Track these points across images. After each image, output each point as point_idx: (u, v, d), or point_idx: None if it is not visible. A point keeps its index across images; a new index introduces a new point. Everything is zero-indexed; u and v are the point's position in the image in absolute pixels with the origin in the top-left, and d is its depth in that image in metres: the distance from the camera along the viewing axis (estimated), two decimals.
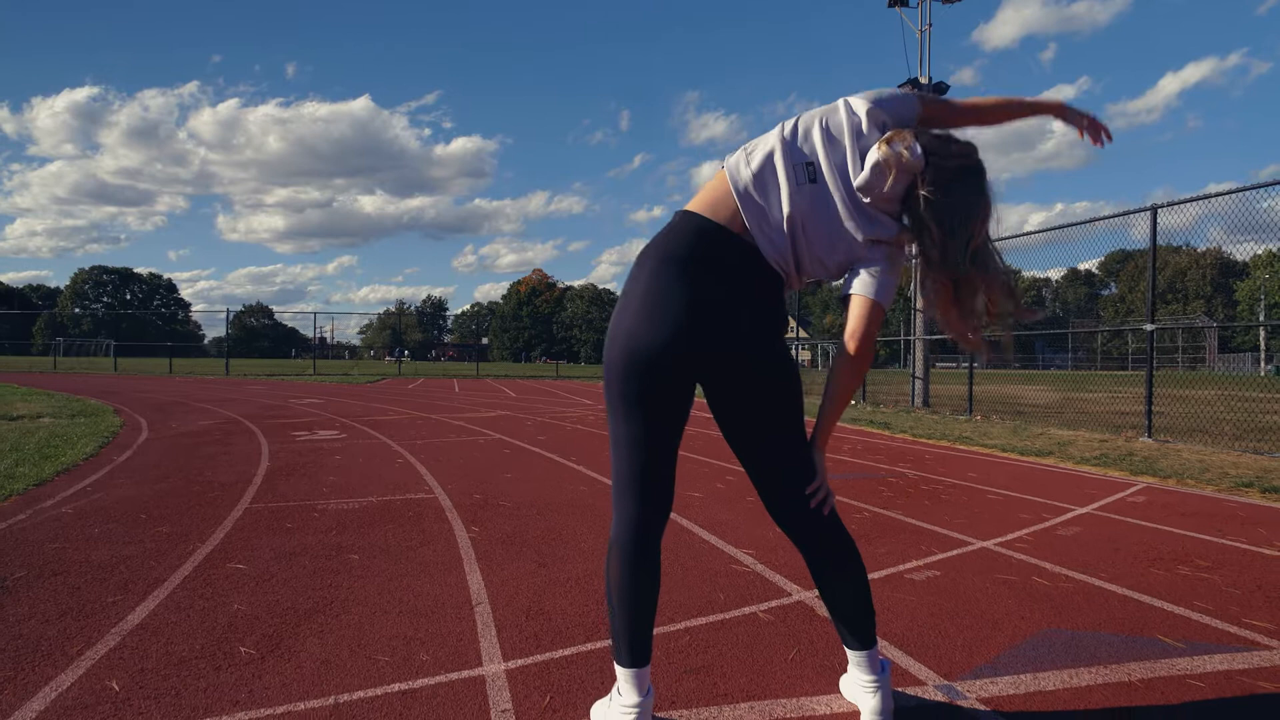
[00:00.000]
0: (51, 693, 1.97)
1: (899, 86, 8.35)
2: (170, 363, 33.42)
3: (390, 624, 2.48)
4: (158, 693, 1.98)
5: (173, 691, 1.99)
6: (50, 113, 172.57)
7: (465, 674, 2.12)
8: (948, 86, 13.43)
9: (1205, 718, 1.90)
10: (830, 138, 1.73)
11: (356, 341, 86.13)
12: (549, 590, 2.86)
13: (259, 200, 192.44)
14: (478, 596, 2.78)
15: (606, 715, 1.78)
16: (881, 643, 2.36)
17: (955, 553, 3.43)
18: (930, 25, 13.44)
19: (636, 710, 1.70)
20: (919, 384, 13.11)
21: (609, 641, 2.34)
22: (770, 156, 1.72)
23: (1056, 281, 73.56)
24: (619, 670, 1.73)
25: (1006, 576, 3.07)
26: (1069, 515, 4.24)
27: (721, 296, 1.66)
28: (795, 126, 1.76)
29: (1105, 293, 69.49)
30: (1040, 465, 6.23)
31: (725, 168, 1.76)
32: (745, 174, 1.72)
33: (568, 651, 2.28)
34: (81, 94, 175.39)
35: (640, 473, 1.72)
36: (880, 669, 1.84)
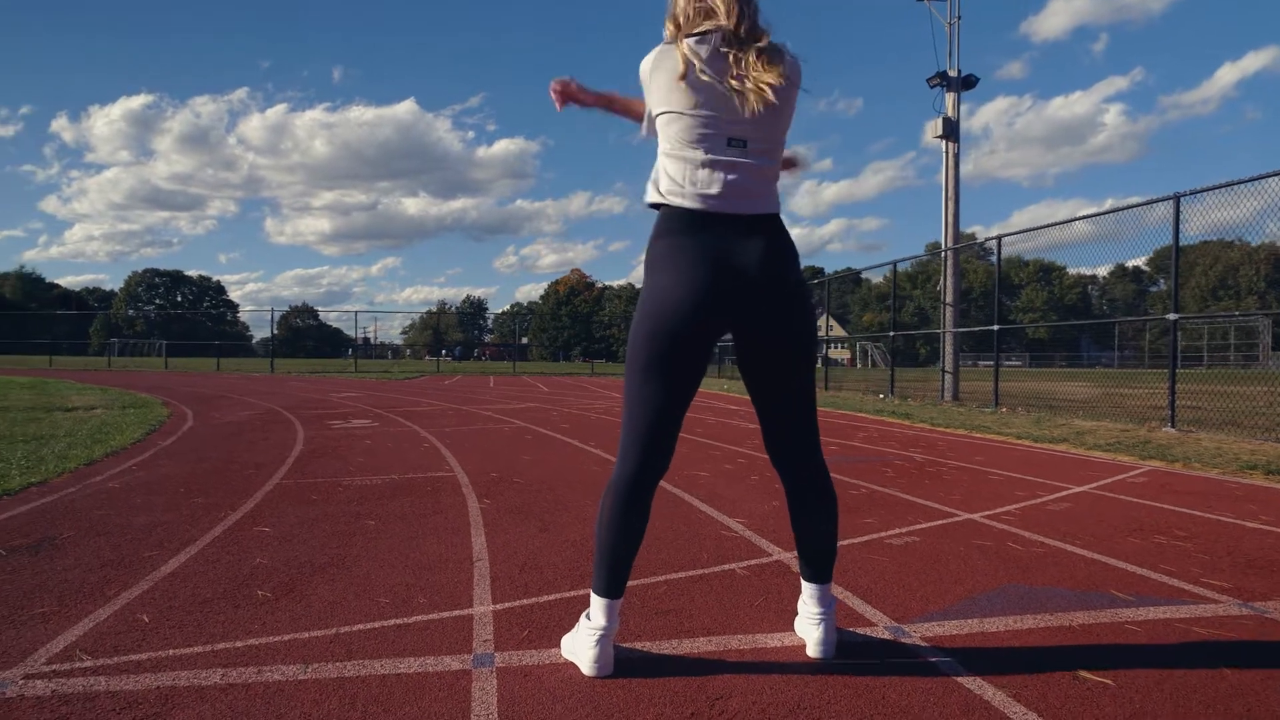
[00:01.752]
0: (90, 623, 2.22)
1: (928, 80, 8.52)
2: (218, 361, 34.38)
3: (395, 575, 2.71)
4: (182, 624, 2.22)
5: (195, 623, 2.23)
6: (107, 120, 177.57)
7: (456, 613, 2.33)
8: (977, 80, 13.41)
9: (1135, 656, 2.05)
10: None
11: (399, 341, 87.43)
12: (545, 550, 3.07)
13: (306, 203, 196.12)
14: (479, 554, 2.99)
15: (574, 638, 1.99)
16: (843, 591, 2.53)
17: (939, 523, 3.57)
18: (960, 18, 13.42)
19: (601, 632, 1.90)
20: (949, 378, 13.11)
21: (589, 589, 2.55)
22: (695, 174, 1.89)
23: (1104, 278, 72.15)
24: (594, 598, 1.93)
25: (983, 542, 3.21)
26: (1064, 493, 4.35)
27: (733, 259, 1.84)
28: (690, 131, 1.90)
29: (1155, 289, 67.95)
30: (1051, 451, 6.30)
31: (668, 202, 1.91)
32: (690, 196, 1.88)
33: (552, 597, 2.49)
34: (136, 102, 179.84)
35: (647, 431, 1.90)
36: (828, 604, 2.02)
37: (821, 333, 25.21)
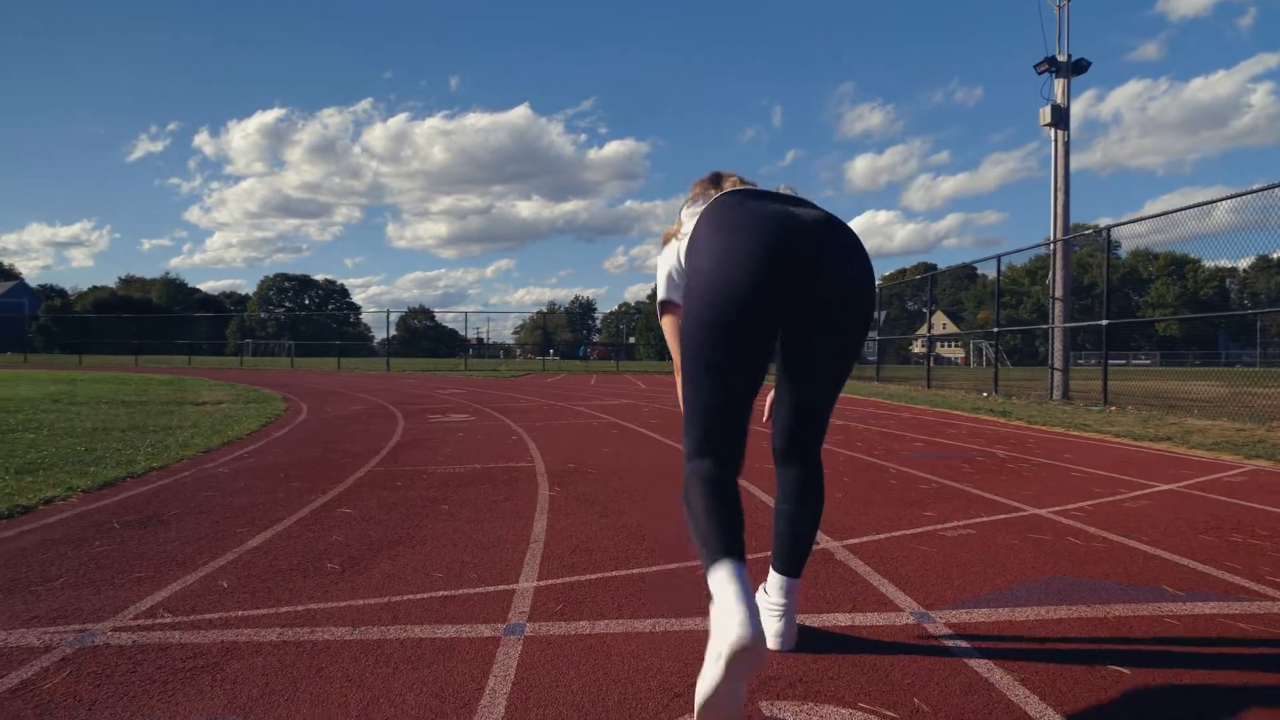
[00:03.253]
0: (177, 586, 2.48)
1: (1035, 67, 8.24)
2: (338, 360, 36.16)
3: (454, 553, 2.89)
4: (254, 590, 2.45)
5: (265, 589, 2.45)
6: (243, 134, 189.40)
7: (500, 587, 2.48)
8: (1089, 64, 12.82)
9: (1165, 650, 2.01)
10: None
11: (511, 341, 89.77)
12: (601, 534, 3.19)
13: (425, 209, 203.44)
14: (536, 537, 3.15)
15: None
16: (879, 579, 2.56)
17: (1001, 517, 3.52)
18: (1069, 0, 12.87)
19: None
20: (1058, 376, 12.60)
21: (635, 569, 2.66)
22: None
23: (1244, 271, 67.28)
24: (712, 575, 1.56)
25: (1040, 537, 3.15)
26: (1147, 491, 4.18)
27: (795, 223, 1.69)
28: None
29: None
30: (1149, 450, 6.02)
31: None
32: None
33: (594, 576, 2.61)
34: (270, 116, 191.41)
35: (714, 431, 1.74)
36: (792, 598, 2.00)
37: (925, 330, 24.56)
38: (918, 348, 32.35)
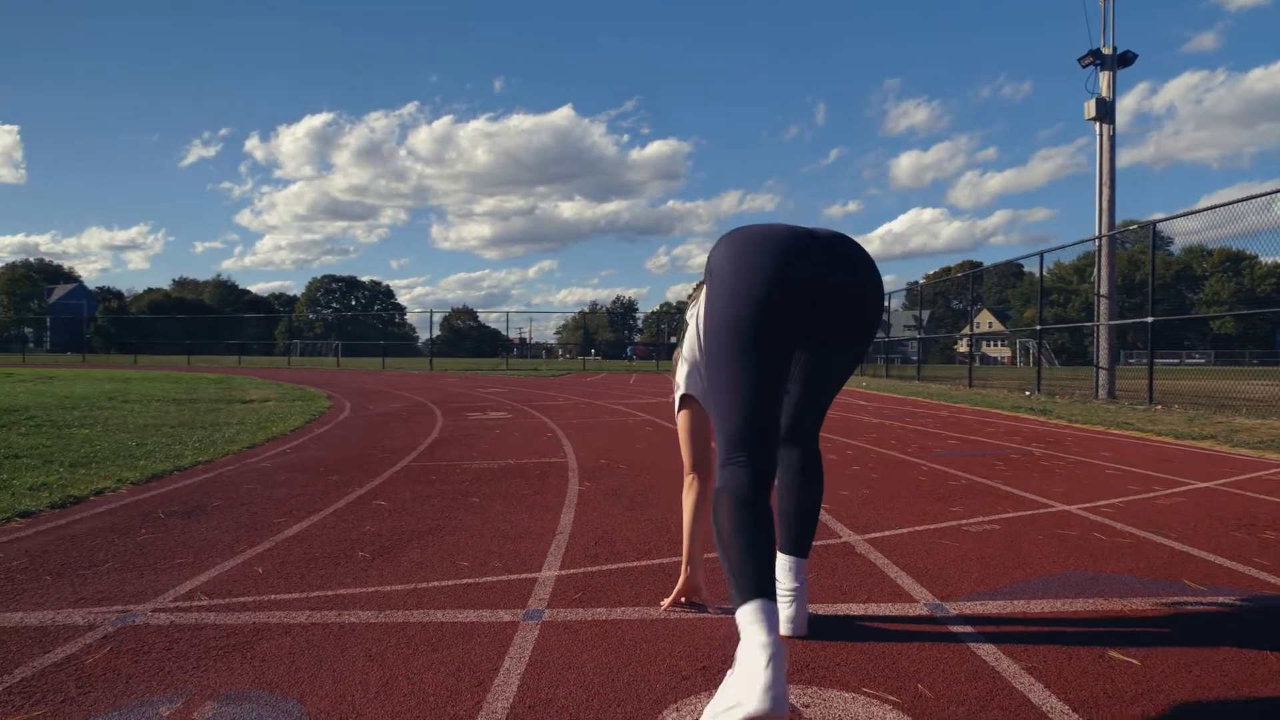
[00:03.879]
0: (215, 572, 2.59)
1: (1080, 60, 8.13)
2: (383, 360, 36.74)
3: (481, 543, 2.97)
4: (288, 575, 2.55)
5: (299, 575, 2.55)
6: (293, 139, 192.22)
7: (523, 576, 2.55)
8: (1135, 56, 12.58)
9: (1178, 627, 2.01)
10: None
11: (553, 341, 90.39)
12: (625, 526, 3.25)
13: (469, 210, 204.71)
14: (562, 529, 3.22)
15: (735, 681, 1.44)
16: (897, 571, 2.58)
17: (1029, 513, 3.50)
18: None
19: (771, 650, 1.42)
20: (1103, 374, 12.37)
21: (655, 560, 2.71)
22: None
23: None
24: (740, 614, 1.51)
25: (1066, 532, 3.14)
26: (1182, 488, 4.13)
27: (812, 241, 1.78)
28: None
29: None
30: (1191, 448, 5.92)
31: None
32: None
33: (614, 566, 2.67)
34: (318, 120, 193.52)
35: (745, 429, 1.72)
36: (802, 580, 2.05)
37: (968, 329, 24.25)
38: (962, 347, 31.92)
